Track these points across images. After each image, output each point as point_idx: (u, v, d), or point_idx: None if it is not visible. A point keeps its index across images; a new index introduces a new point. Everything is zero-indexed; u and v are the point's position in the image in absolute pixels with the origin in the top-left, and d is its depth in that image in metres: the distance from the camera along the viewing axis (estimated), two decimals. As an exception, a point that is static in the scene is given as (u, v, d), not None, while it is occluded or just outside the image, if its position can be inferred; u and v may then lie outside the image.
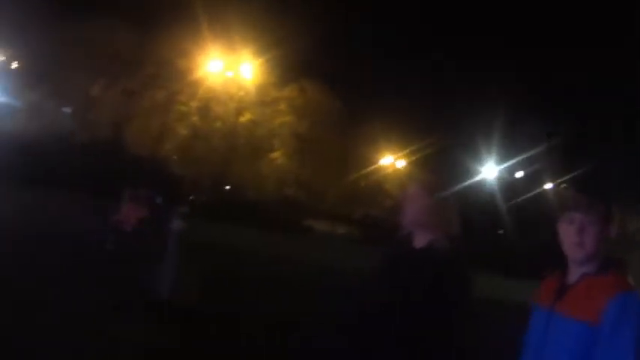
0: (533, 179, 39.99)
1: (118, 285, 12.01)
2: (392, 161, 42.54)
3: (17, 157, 30.07)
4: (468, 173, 36.05)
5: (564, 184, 35.64)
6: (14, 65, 37.08)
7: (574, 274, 2.84)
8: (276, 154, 38.47)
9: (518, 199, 37.49)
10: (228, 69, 37.18)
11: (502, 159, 39.09)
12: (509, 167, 40.16)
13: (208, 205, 29.31)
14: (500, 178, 40.27)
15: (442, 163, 34.76)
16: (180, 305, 10.98)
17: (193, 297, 11.39)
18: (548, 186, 38.79)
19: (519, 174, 41.78)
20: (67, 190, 28.36)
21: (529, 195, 37.49)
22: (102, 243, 15.15)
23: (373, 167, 41.20)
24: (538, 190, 38.21)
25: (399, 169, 42.35)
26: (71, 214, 23.59)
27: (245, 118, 37.80)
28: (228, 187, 35.14)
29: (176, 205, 16.21)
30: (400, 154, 41.31)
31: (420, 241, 3.72)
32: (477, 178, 37.78)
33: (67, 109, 37.31)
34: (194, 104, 36.88)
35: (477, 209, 33.26)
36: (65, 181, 29.23)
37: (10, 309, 9.53)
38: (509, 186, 39.88)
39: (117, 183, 26.72)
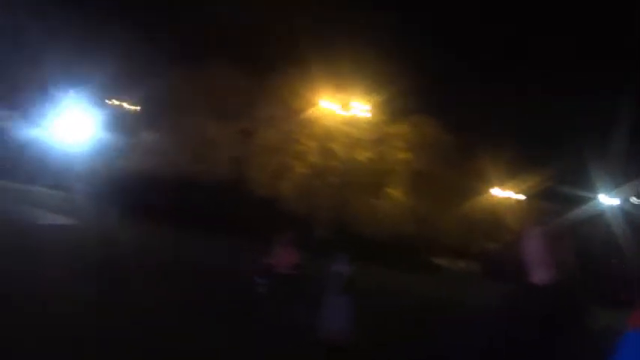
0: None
1: (279, 328, 12.68)
2: (507, 194, 42.36)
3: (146, 195, 32.13)
4: (582, 202, 35.69)
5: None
6: (136, 109, 39.44)
7: None
8: (393, 191, 39.05)
9: (633, 226, 36.81)
10: (343, 107, 38.33)
11: (616, 185, 38.50)
12: (623, 193, 39.51)
13: (330, 243, 30.09)
14: (614, 206, 39.58)
15: (557, 193, 34.59)
16: (351, 347, 11.45)
17: (360, 338, 11.70)
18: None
19: (634, 200, 41.01)
20: (196, 229, 29.70)
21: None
22: (252, 285, 15.86)
23: (488, 200, 41.19)
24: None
25: (514, 202, 42.16)
26: (209, 254, 24.77)
27: (361, 155, 38.64)
28: (344, 225, 35.76)
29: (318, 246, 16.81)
30: (515, 186, 41.15)
31: (541, 277, 3.87)
32: (592, 205, 37.25)
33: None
34: (311, 143, 38.03)
35: (590, 238, 32.88)
36: (193, 220, 30.64)
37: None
38: (623, 213, 39.14)
39: (249, 225, 28.16)
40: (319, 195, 37.67)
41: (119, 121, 38.34)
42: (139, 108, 39.77)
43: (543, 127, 38.78)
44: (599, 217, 37.68)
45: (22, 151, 37.46)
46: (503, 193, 42.47)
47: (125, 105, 40.08)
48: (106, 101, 39.35)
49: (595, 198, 38.55)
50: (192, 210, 32.06)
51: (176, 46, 37.15)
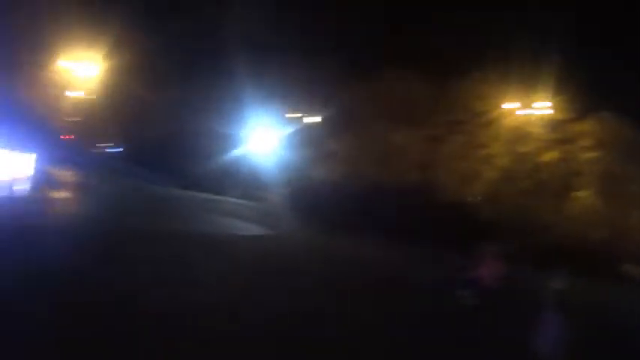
0: None
1: (489, 345, 12.70)
2: None
3: (335, 204, 33.06)
4: None
5: None
6: (319, 120, 40.75)
7: None
8: (582, 193, 37.73)
9: None
10: (526, 107, 37.70)
11: None
12: None
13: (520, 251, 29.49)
14: None
15: None
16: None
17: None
18: None
19: None
20: (386, 237, 30.13)
21: None
22: (457, 298, 15.93)
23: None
24: None
25: None
26: (402, 263, 25.08)
27: (548, 156, 37.67)
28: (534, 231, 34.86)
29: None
30: None
31: None
32: None
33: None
34: (497, 146, 37.62)
35: None
36: (383, 229, 31.11)
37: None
38: None
39: (440, 233, 28.21)
40: (509, 200, 36.98)
41: (304, 133, 39.68)
42: (322, 119, 40.90)
43: None
44: None
45: (212, 163, 39.63)
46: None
47: (309, 117, 41.39)
48: (291, 114, 40.87)
49: None
50: (381, 218, 32.58)
51: (356, 55, 38.00)
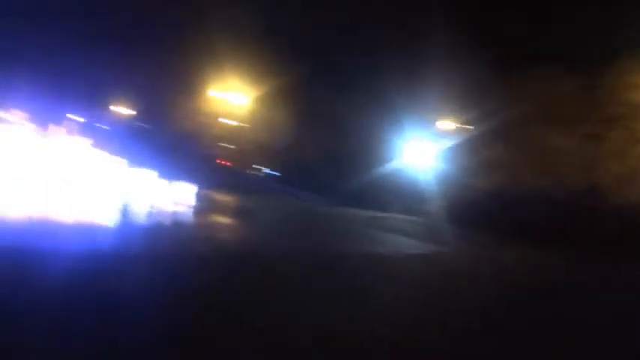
0: None
1: None
2: None
3: (498, 213, 32.59)
4: None
5: None
6: (469, 127, 40.48)
7: None
8: None
9: None
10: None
11: None
12: None
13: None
14: None
15: None
16: None
17: None
18: None
19: None
20: (552, 245, 29.39)
21: None
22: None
23: None
24: None
25: None
26: (573, 273, 24.45)
27: None
28: None
29: None
30: None
31: None
32: None
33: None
34: (658, 140, 35.94)
35: None
36: (548, 236, 30.44)
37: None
38: None
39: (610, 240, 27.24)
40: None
41: (460, 142, 39.51)
42: (475, 126, 40.56)
43: None
44: None
45: (370, 179, 40.24)
46: None
47: (463, 125, 41.22)
48: (445, 123, 40.85)
49: None
50: (548, 225, 31.98)
51: (503, 56, 37.36)
